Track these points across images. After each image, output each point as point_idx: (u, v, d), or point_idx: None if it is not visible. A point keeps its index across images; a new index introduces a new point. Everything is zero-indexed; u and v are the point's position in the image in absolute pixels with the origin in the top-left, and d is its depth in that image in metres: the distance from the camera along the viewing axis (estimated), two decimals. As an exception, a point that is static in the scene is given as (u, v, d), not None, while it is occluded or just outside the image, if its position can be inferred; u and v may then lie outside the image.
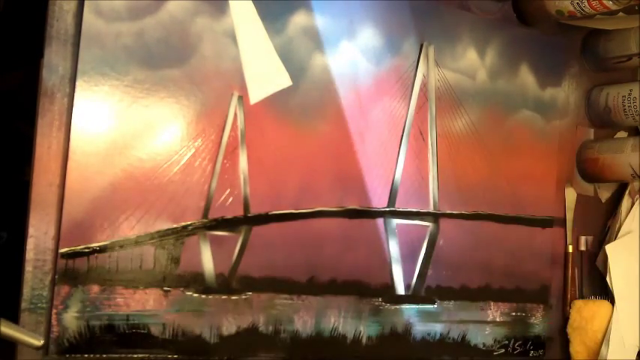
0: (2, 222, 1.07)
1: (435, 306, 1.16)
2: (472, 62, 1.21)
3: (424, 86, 1.16)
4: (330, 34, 1.06)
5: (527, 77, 1.28)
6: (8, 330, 0.73)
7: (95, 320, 0.88)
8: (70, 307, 0.86)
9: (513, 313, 1.26)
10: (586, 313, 1.33)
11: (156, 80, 0.92)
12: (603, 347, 1.32)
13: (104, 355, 0.89)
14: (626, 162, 1.30)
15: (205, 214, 0.96)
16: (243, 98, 0.99)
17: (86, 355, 0.88)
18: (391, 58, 1.12)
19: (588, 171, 1.37)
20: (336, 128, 1.07)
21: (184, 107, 0.94)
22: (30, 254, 0.84)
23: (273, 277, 1.01)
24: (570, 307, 1.34)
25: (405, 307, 1.13)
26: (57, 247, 0.85)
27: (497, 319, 1.24)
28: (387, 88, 1.12)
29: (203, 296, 0.95)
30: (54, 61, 0.86)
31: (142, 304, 0.91)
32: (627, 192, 1.41)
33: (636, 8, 1.22)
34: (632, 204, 1.40)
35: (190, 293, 0.95)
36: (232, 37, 0.98)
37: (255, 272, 1.00)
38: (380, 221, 1.11)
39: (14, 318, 0.82)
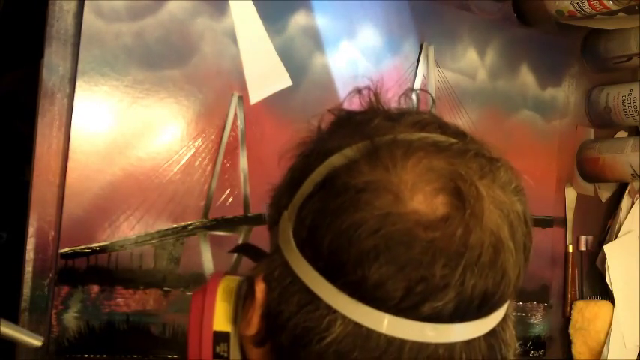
0: (2, 222, 1.07)
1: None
2: (472, 62, 1.21)
3: (424, 86, 1.16)
4: (330, 34, 1.06)
5: (527, 77, 1.28)
6: (8, 330, 0.73)
7: (95, 320, 0.88)
8: (70, 307, 0.86)
9: (513, 313, 1.26)
10: (588, 314, 1.33)
11: (156, 80, 0.92)
12: (605, 348, 1.32)
13: (104, 355, 0.89)
14: (626, 162, 1.30)
15: (205, 214, 0.96)
16: (243, 98, 0.99)
17: (86, 355, 0.88)
18: (391, 58, 1.12)
19: (588, 171, 1.37)
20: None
21: (184, 107, 0.94)
22: (30, 254, 0.84)
23: (273, 277, 1.01)
24: (571, 308, 1.34)
25: (405, 307, 1.13)
26: (57, 247, 0.85)
27: (498, 319, 1.24)
28: (387, 88, 1.11)
29: (203, 296, 0.95)
30: (54, 61, 0.86)
31: (142, 304, 0.91)
32: (627, 192, 1.41)
33: (636, 8, 1.22)
34: (632, 204, 1.40)
35: (190, 293, 0.94)
36: (232, 37, 0.98)
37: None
38: (380, 221, 1.11)
39: (14, 318, 0.82)
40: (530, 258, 0.53)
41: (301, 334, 0.47)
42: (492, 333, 0.49)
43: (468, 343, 0.47)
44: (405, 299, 0.44)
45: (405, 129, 0.50)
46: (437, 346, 0.45)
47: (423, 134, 0.49)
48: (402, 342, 0.45)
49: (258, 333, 0.51)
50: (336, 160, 0.49)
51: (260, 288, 0.50)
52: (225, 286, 0.56)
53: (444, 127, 0.51)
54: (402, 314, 0.45)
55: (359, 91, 0.56)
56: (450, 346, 0.46)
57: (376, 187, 0.46)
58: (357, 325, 0.45)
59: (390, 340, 0.45)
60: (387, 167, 0.46)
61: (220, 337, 0.54)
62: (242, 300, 0.54)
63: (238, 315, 0.54)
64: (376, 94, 0.55)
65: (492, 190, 0.47)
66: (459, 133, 0.51)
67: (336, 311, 0.46)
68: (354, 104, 1.06)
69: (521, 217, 0.49)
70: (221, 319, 0.54)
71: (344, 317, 0.45)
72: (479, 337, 0.47)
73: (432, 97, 0.57)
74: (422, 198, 0.45)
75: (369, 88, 0.55)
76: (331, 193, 0.47)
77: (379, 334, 0.45)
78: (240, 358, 0.54)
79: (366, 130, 0.50)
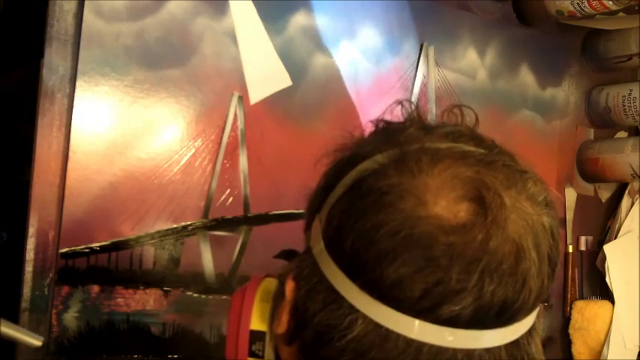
0: (2, 222, 1.07)
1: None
2: (472, 62, 1.21)
3: (424, 86, 1.16)
4: (330, 34, 1.06)
5: (527, 77, 1.28)
6: (8, 330, 0.73)
7: (95, 320, 0.88)
8: (70, 307, 0.86)
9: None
10: (588, 314, 1.33)
11: (156, 80, 0.92)
12: (605, 348, 1.32)
13: (104, 356, 0.89)
14: (626, 162, 1.31)
15: (205, 214, 0.96)
16: (243, 98, 0.99)
17: (86, 355, 0.88)
18: (391, 58, 1.12)
19: (588, 171, 1.37)
20: (335, 128, 1.06)
21: (184, 107, 0.94)
22: (30, 254, 0.84)
23: (273, 277, 1.01)
24: (571, 308, 1.34)
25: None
26: (57, 247, 0.85)
27: (498, 319, 1.24)
28: (387, 88, 1.12)
29: (203, 296, 0.95)
30: (54, 61, 0.86)
31: (142, 304, 0.91)
32: (627, 192, 1.41)
33: (636, 8, 1.22)
34: (632, 204, 1.40)
35: (190, 293, 0.95)
36: (232, 37, 0.98)
37: (255, 272, 0.99)
38: (380, 221, 1.11)
39: (14, 318, 0.82)
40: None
41: (324, 332, 0.48)
42: (515, 344, 0.48)
43: (488, 352, 0.47)
44: (421, 300, 0.45)
45: (436, 138, 0.51)
46: (455, 351, 0.46)
47: (453, 144, 0.50)
48: (420, 344, 0.46)
49: (288, 331, 0.52)
50: (366, 165, 0.50)
51: (290, 287, 0.52)
52: (265, 287, 0.58)
53: (477, 140, 0.52)
54: (421, 317, 0.45)
55: (400, 102, 0.57)
56: (469, 353, 0.46)
57: (400, 190, 0.47)
58: (377, 326, 0.46)
59: (409, 342, 0.46)
60: (413, 172, 0.47)
61: (257, 336, 0.56)
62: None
63: (275, 315, 0.55)
64: (416, 106, 0.57)
65: (518, 201, 0.47)
66: (490, 146, 0.52)
67: (357, 310, 0.47)
68: (352, 105, 1.06)
69: (548, 230, 0.49)
70: (258, 319, 0.56)
71: (365, 317, 0.46)
72: (499, 347, 0.47)
73: (474, 113, 0.58)
74: (445, 203, 0.46)
75: (409, 100, 0.57)
76: (357, 195, 0.49)
77: (398, 335, 0.46)
78: (274, 357, 0.55)
79: (399, 138, 0.51)
